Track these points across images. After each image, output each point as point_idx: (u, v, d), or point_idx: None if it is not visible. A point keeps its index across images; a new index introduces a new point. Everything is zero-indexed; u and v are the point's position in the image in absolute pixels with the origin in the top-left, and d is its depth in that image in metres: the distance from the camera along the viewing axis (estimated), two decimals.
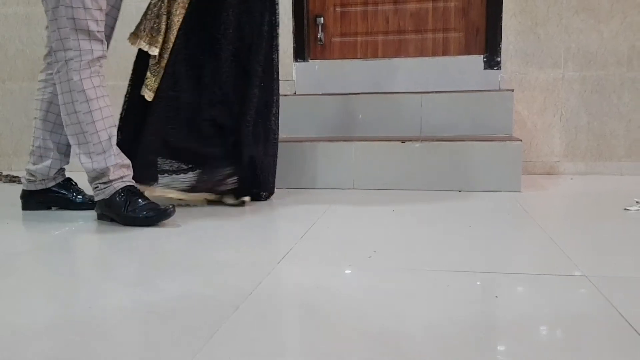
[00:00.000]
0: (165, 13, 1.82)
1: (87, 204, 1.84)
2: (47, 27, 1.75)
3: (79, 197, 1.87)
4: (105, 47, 1.71)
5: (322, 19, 2.77)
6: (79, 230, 1.61)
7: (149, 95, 1.81)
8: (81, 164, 1.68)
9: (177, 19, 1.82)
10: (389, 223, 1.63)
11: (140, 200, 1.66)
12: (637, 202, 1.80)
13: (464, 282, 1.09)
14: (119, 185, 1.67)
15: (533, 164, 2.59)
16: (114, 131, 1.69)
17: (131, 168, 1.72)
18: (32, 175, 1.83)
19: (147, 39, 1.83)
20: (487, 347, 0.81)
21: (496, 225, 1.58)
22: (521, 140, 2.16)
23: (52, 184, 1.84)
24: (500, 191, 2.11)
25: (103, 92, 1.67)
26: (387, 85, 2.69)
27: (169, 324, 0.90)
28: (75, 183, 1.91)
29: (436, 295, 1.02)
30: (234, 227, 1.60)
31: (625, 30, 2.49)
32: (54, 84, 1.74)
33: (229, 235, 1.51)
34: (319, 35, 2.78)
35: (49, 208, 1.86)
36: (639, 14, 2.48)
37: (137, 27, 1.86)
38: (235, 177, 1.86)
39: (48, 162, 1.81)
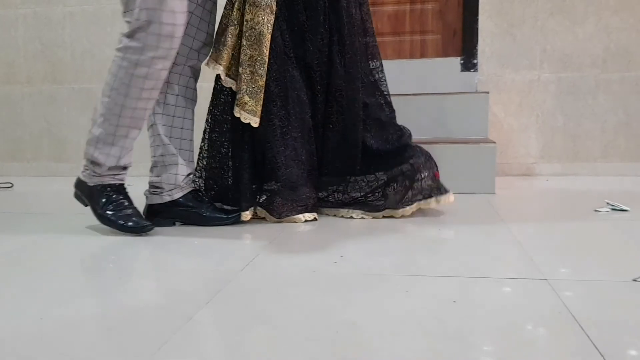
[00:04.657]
0: (236, 23, 1.63)
1: (220, 218, 1.66)
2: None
3: (209, 211, 1.67)
4: (176, 44, 1.50)
5: None
6: (41, 236, 1.58)
7: (254, 122, 1.63)
8: (87, 139, 1.56)
9: (267, 28, 1.61)
10: (358, 227, 1.62)
11: (125, 201, 1.56)
12: (607, 203, 1.81)
13: (424, 287, 1.08)
14: (108, 179, 1.57)
15: (510, 165, 2.60)
16: (135, 134, 1.56)
17: (127, 170, 1.61)
18: (157, 187, 1.67)
19: (215, 55, 1.65)
20: (440, 352, 0.80)
21: (465, 228, 1.57)
22: (495, 143, 2.16)
23: (180, 194, 1.66)
24: (475, 193, 2.11)
25: (149, 95, 1.51)
26: None
27: (117, 336, 0.89)
28: (203, 194, 1.73)
29: (394, 301, 1.01)
30: (201, 235, 1.58)
31: (600, 32, 2.51)
32: (165, 84, 1.61)
33: (195, 243, 1.49)
34: None
35: (173, 224, 1.69)
36: (612, 15, 2.49)
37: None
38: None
39: (174, 169, 1.65)
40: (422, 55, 2.71)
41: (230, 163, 1.77)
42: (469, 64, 2.62)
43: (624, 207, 1.75)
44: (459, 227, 1.58)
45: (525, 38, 2.56)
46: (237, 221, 1.67)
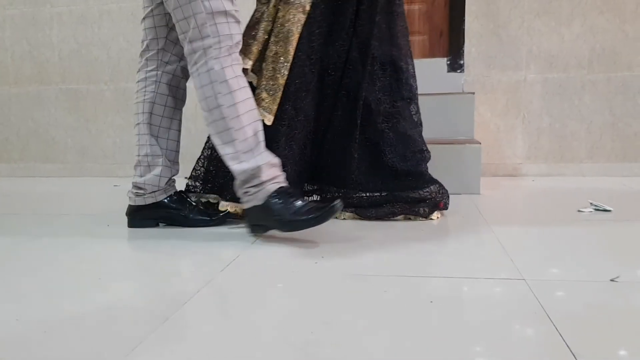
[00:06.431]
0: (268, 19, 1.62)
1: (204, 220, 1.66)
2: (143, 21, 1.62)
3: (192, 213, 1.66)
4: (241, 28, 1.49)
5: None
6: (23, 237, 1.57)
7: (268, 119, 1.62)
8: (228, 167, 1.49)
9: (296, 27, 1.59)
10: (342, 228, 1.62)
11: (299, 201, 1.45)
12: (591, 203, 1.82)
13: (403, 287, 1.08)
14: (272, 187, 1.46)
15: (496, 165, 2.61)
16: (260, 126, 1.48)
17: (281, 167, 1.53)
18: (140, 189, 1.64)
19: (243, 48, 1.62)
20: (414, 351, 0.80)
21: (448, 228, 1.58)
22: (480, 143, 2.17)
23: (163, 196, 1.66)
24: (460, 194, 2.12)
25: (244, 83, 1.48)
26: None
27: (92, 337, 0.88)
28: (189, 198, 1.70)
29: (371, 301, 1.01)
30: (184, 237, 1.58)
31: (586, 33, 2.52)
32: (155, 82, 1.61)
33: (176, 244, 1.49)
34: None
35: (156, 225, 1.68)
36: (598, 16, 2.51)
37: None
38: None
39: (157, 171, 1.63)
40: None
41: None
42: (455, 65, 2.62)
43: (607, 208, 1.76)
44: (441, 228, 1.59)
45: (511, 39, 2.57)
46: (221, 223, 1.67)
